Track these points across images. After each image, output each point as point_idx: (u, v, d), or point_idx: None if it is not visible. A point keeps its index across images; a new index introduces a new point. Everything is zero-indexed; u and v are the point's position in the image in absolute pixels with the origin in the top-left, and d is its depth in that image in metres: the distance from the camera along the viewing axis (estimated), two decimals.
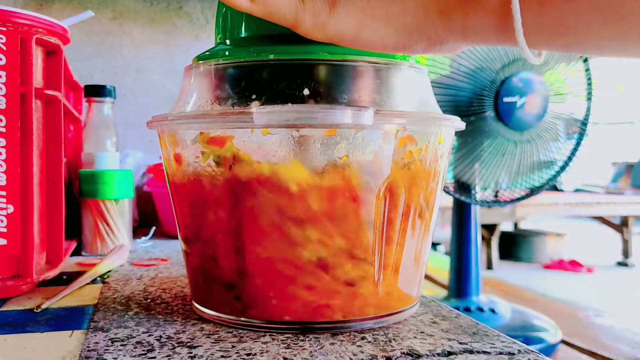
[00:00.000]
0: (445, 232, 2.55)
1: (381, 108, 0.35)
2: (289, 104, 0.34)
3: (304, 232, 0.34)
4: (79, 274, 0.51)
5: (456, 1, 0.31)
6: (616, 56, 0.30)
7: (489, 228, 3.49)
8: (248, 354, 0.32)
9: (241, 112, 0.33)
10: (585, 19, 0.28)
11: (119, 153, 0.74)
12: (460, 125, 0.39)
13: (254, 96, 0.35)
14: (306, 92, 0.34)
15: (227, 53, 0.38)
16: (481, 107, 1.55)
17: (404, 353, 0.32)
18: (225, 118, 0.34)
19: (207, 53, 0.39)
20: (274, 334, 0.35)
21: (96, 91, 0.71)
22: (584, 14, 0.28)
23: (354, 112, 0.32)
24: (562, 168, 1.67)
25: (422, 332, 0.36)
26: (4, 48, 0.42)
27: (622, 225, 3.91)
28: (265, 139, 0.33)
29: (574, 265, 3.61)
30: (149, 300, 0.44)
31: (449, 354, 0.32)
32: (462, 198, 1.69)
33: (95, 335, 0.35)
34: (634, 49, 0.28)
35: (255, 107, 0.32)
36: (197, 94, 0.38)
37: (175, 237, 0.78)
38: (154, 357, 0.31)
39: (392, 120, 0.34)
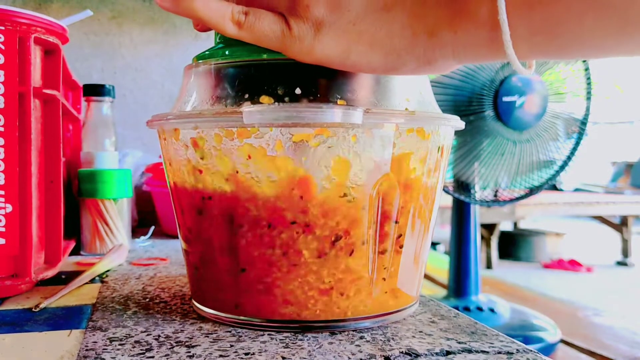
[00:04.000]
0: (444, 232, 2.55)
1: (376, 107, 0.35)
2: (275, 103, 0.34)
3: (298, 230, 0.34)
4: (77, 274, 0.51)
5: (444, 20, 0.31)
6: (614, 55, 0.30)
7: (489, 227, 3.49)
8: (246, 354, 0.32)
9: (233, 111, 0.33)
10: (577, 17, 0.28)
11: (118, 152, 0.74)
12: (459, 124, 0.39)
13: (252, 95, 0.35)
14: (298, 91, 0.34)
15: (226, 52, 0.38)
16: (480, 107, 1.55)
17: (402, 352, 0.32)
18: (218, 117, 0.34)
19: (206, 52, 0.39)
20: (273, 333, 0.35)
21: (95, 90, 0.71)
22: (575, 12, 0.28)
23: (342, 111, 0.32)
24: (562, 167, 1.67)
25: (420, 332, 0.36)
26: (3, 47, 0.42)
27: (621, 225, 3.91)
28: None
29: (573, 265, 3.62)
30: (147, 300, 0.44)
31: (448, 353, 0.32)
32: (462, 197, 1.69)
33: (93, 335, 0.35)
34: (630, 45, 0.28)
35: (245, 107, 0.32)
36: (197, 94, 0.38)
37: (174, 237, 0.78)
38: (152, 357, 0.31)
39: (383, 120, 0.34)
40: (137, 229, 0.83)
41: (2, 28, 0.43)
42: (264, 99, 0.34)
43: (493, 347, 0.33)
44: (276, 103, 0.34)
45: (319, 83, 0.35)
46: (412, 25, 0.32)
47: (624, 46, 0.28)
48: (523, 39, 0.29)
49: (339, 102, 0.34)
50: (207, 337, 0.35)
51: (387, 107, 0.36)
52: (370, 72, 0.34)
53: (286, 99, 0.34)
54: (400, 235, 0.36)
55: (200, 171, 0.36)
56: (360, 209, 0.34)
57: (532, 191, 1.69)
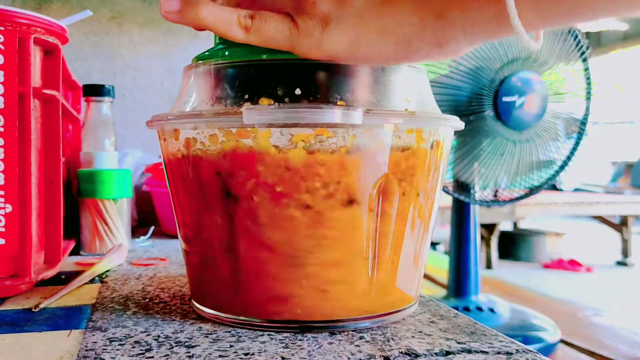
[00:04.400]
0: (444, 232, 2.55)
1: (376, 108, 0.35)
2: (275, 104, 0.34)
3: (296, 230, 0.34)
4: (77, 274, 0.51)
5: (450, 2, 0.31)
6: (621, 14, 0.30)
7: (488, 227, 3.49)
8: (246, 354, 0.32)
9: (233, 111, 0.33)
10: None
11: (118, 152, 0.74)
12: (458, 124, 0.39)
13: (252, 96, 0.35)
14: (298, 91, 0.34)
15: (226, 53, 0.38)
16: (480, 107, 1.55)
17: (402, 352, 0.32)
18: (217, 118, 0.34)
19: (206, 53, 0.39)
20: (272, 333, 0.35)
21: (95, 91, 0.71)
22: None
23: (342, 111, 0.32)
24: (562, 167, 1.67)
25: (420, 332, 0.36)
26: (2, 47, 0.42)
27: (621, 225, 3.91)
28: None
29: (573, 265, 3.61)
30: (147, 300, 0.44)
31: (447, 353, 0.32)
32: (462, 197, 1.69)
33: (93, 335, 0.35)
34: (632, 6, 0.28)
35: (245, 107, 0.33)
36: (197, 94, 0.38)
37: (174, 237, 0.78)
38: (152, 357, 0.31)
39: (383, 120, 0.34)
40: (137, 229, 0.83)
41: (2, 28, 0.43)
42: (264, 100, 0.35)
43: (492, 347, 0.33)
44: (276, 104, 0.34)
45: (319, 83, 0.35)
46: (419, 11, 0.32)
47: (633, 6, 0.28)
48: (529, 8, 0.29)
49: (338, 102, 0.34)
50: (207, 337, 0.35)
51: (387, 108, 0.36)
52: (381, 62, 0.34)
53: (286, 99, 0.34)
54: (399, 235, 0.37)
55: None
56: (360, 209, 0.34)
57: (532, 191, 1.69)
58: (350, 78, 0.35)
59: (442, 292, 2.12)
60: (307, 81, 0.35)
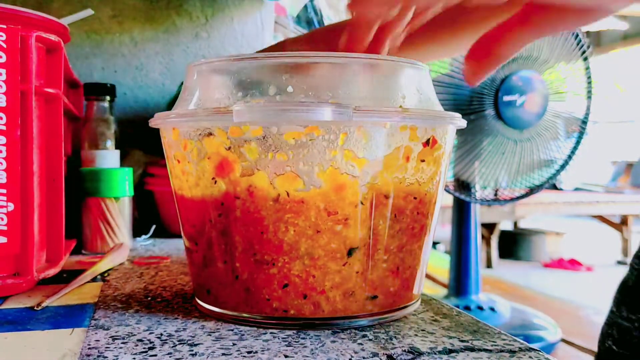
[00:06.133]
0: (445, 231, 2.55)
1: (368, 105, 0.35)
2: (263, 101, 0.34)
3: (295, 229, 0.34)
4: (79, 272, 0.51)
5: None
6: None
7: (489, 227, 3.49)
8: (249, 352, 0.32)
9: (226, 110, 0.33)
10: None
11: (119, 151, 0.74)
12: (456, 121, 0.38)
13: (252, 94, 0.35)
14: (290, 89, 0.34)
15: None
16: (481, 106, 1.55)
17: (405, 351, 0.32)
18: (210, 117, 0.34)
19: None
20: (275, 331, 0.35)
21: (96, 89, 0.71)
22: None
23: (330, 109, 0.32)
24: (562, 167, 1.67)
25: (423, 330, 0.36)
26: (4, 46, 0.42)
27: (621, 224, 3.92)
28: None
29: (573, 264, 3.62)
30: (149, 298, 0.44)
31: (450, 351, 0.32)
32: (462, 197, 1.69)
33: (95, 333, 0.35)
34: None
35: (235, 105, 0.32)
36: (199, 92, 0.38)
37: (176, 235, 0.78)
38: (155, 355, 0.31)
39: (373, 118, 0.33)
40: (138, 228, 0.83)
41: (4, 27, 0.43)
42: (257, 99, 0.35)
43: (495, 345, 0.33)
44: (263, 102, 0.34)
45: (313, 81, 0.35)
46: None
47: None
48: None
49: (330, 100, 0.34)
50: (210, 335, 0.35)
51: (381, 105, 0.35)
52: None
53: (277, 97, 0.34)
54: (400, 234, 0.36)
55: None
56: (354, 208, 0.34)
57: (533, 190, 1.69)
58: (343, 76, 0.35)
59: (443, 291, 2.12)
60: (301, 79, 0.34)
